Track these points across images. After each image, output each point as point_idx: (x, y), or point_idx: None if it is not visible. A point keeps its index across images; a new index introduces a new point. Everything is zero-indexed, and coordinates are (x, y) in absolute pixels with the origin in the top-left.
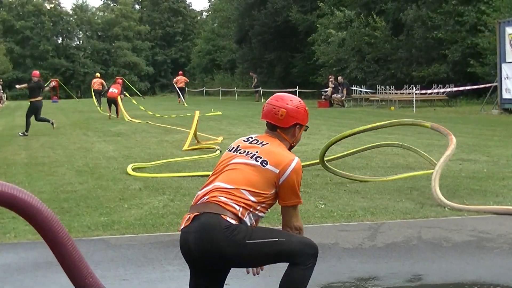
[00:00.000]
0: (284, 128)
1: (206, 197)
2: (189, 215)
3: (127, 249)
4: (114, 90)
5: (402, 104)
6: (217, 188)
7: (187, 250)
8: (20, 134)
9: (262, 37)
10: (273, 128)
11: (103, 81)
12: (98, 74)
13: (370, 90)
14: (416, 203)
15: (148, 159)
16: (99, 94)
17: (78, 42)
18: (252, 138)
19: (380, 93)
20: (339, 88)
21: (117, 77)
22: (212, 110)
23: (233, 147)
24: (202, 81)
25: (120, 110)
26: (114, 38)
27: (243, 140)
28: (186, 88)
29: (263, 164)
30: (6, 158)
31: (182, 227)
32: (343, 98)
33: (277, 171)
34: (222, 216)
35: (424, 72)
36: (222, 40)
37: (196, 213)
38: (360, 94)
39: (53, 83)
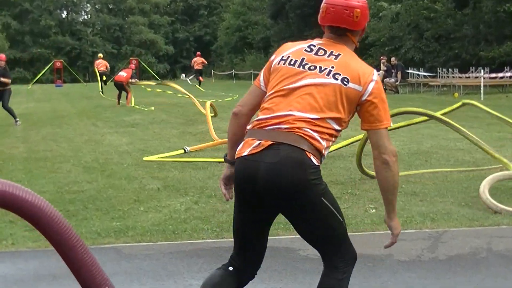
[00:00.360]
0: (355, 32)
1: (284, 126)
2: (258, 141)
3: (143, 259)
4: (123, 73)
5: (467, 90)
6: (299, 118)
7: (250, 179)
8: (17, 124)
9: (301, 10)
10: (341, 33)
11: (106, 63)
12: (100, 55)
13: (429, 74)
14: (486, 208)
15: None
16: (102, 77)
17: (85, 17)
18: (314, 46)
19: (442, 77)
20: (393, 71)
21: (131, 59)
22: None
23: (294, 60)
24: (230, 62)
25: (130, 97)
26: (128, 12)
27: (305, 50)
28: (213, 71)
29: (344, 82)
30: (1, 152)
31: (246, 153)
32: (397, 83)
33: (360, 88)
34: (307, 153)
35: (494, 52)
36: (254, 15)
37: (271, 142)
38: (417, 78)
39: (58, 64)
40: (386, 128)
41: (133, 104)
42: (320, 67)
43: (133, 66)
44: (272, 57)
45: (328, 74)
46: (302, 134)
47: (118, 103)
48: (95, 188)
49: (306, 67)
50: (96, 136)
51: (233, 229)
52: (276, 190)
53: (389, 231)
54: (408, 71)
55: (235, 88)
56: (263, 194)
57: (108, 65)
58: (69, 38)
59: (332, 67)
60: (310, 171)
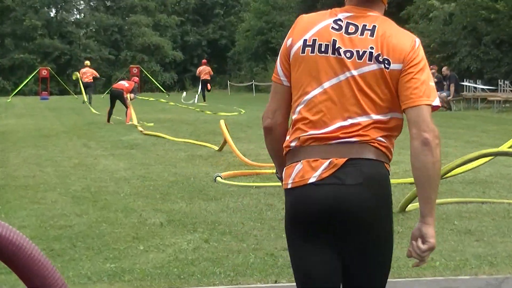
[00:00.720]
0: None
1: (354, 139)
2: (328, 160)
3: None
4: (123, 82)
5: None
6: (367, 126)
7: (327, 208)
8: None
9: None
10: None
11: (94, 71)
12: (87, 62)
13: (488, 87)
14: None
15: (173, 180)
16: (90, 88)
17: (78, 16)
18: (341, 21)
19: (504, 90)
20: (444, 83)
21: (131, 66)
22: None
23: (323, 44)
24: (250, 71)
25: (130, 113)
26: (129, 11)
27: (333, 28)
28: (229, 82)
29: (386, 64)
30: None
31: (314, 178)
32: (449, 98)
33: (400, 66)
34: (386, 165)
35: None
36: (279, 15)
37: (345, 159)
38: (474, 92)
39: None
40: (429, 105)
41: (135, 123)
42: (358, 52)
43: (136, 79)
44: (289, 41)
45: (370, 59)
46: (377, 145)
47: (108, 120)
48: (85, 222)
49: (342, 53)
50: (88, 160)
51: (301, 278)
52: (367, 215)
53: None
54: (463, 83)
55: (255, 102)
56: (344, 223)
57: (96, 74)
58: (58, 41)
59: (372, 47)
60: (390, 187)
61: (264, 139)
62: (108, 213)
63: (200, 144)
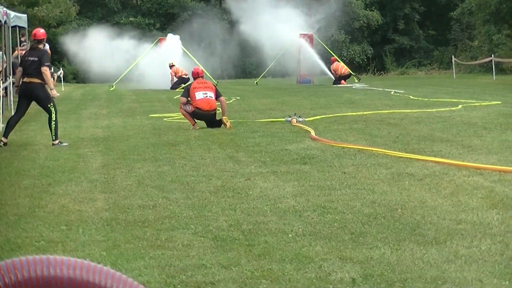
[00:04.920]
0: None
1: None
2: None
3: None
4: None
5: None
6: None
7: None
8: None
9: None
10: None
11: None
12: None
13: None
14: None
15: (370, 213)
16: None
17: None
18: None
19: None
20: None
21: None
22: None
23: None
24: (488, 41)
25: None
26: None
27: None
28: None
29: None
30: (65, 208)
31: None
32: None
33: None
34: None
35: None
36: None
37: None
38: None
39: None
40: None
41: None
42: None
43: None
44: None
45: None
46: None
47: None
48: (235, 278)
49: None
50: (237, 181)
51: None
52: None
53: None
54: None
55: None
56: None
57: None
58: None
59: None
60: None
61: None
62: (269, 264)
63: (408, 157)
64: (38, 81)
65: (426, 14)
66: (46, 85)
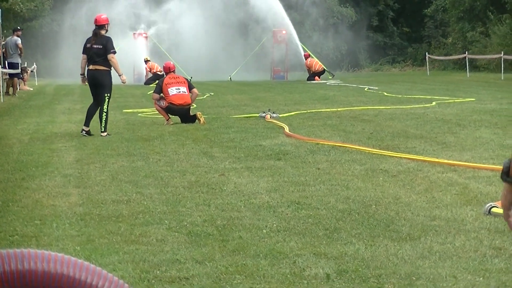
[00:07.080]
0: None
1: None
2: None
3: None
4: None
5: None
6: None
7: None
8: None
9: None
10: None
11: None
12: None
13: None
14: None
15: (344, 209)
16: None
17: None
18: None
19: None
20: None
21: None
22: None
23: None
24: (462, 38)
25: None
26: None
27: None
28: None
29: None
30: (39, 203)
31: None
32: None
33: None
34: None
35: None
36: None
37: None
38: None
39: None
40: None
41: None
42: None
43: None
44: None
45: None
46: None
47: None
48: (209, 273)
49: None
50: (211, 176)
51: None
52: None
53: None
54: None
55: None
56: None
57: None
58: None
59: None
60: None
61: None
62: (244, 259)
63: (382, 154)
64: (104, 68)
65: (400, 11)
66: (111, 72)
